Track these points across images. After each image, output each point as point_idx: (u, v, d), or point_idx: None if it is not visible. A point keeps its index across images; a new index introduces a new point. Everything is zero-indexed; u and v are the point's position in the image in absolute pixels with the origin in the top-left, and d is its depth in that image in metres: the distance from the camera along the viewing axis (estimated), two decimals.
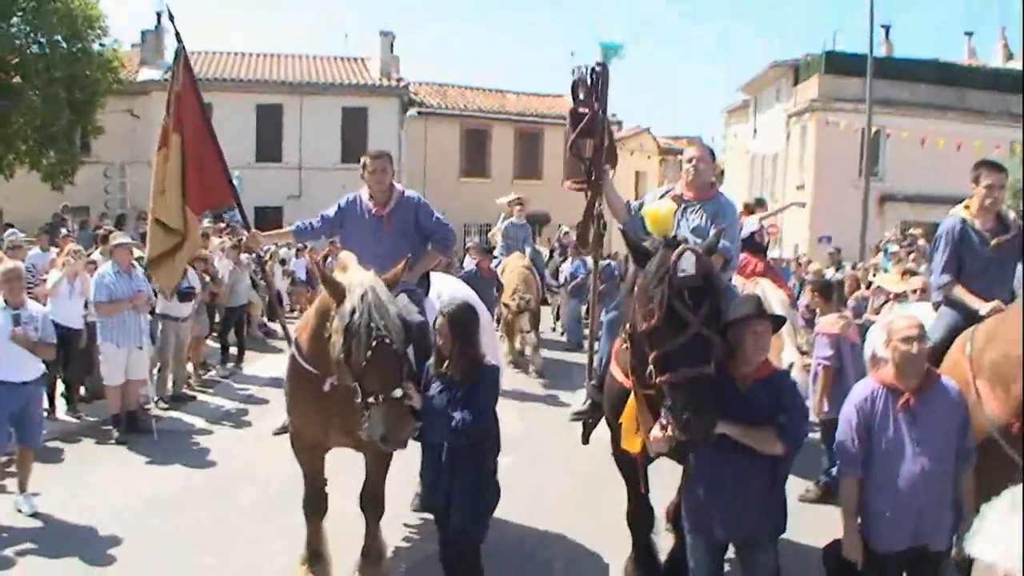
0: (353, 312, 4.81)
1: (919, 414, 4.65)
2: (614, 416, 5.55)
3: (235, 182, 8.27)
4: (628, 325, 4.77)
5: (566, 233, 19.68)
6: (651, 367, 4.44)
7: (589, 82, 6.92)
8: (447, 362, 5.19)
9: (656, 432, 4.64)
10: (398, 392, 4.82)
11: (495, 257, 15.59)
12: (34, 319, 8.22)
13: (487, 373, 5.27)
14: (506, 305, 14.59)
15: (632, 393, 5.09)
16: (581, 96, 6.89)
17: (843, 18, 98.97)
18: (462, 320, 5.18)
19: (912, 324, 4.77)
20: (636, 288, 4.69)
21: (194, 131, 7.89)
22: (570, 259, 18.24)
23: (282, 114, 32.40)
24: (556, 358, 15.76)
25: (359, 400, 4.79)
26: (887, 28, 35.55)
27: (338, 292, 4.95)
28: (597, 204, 6.94)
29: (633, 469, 5.71)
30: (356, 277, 5.01)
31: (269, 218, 28.43)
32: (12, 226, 19.58)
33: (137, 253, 11.02)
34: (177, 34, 8.21)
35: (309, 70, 34.60)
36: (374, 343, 4.76)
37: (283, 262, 21.09)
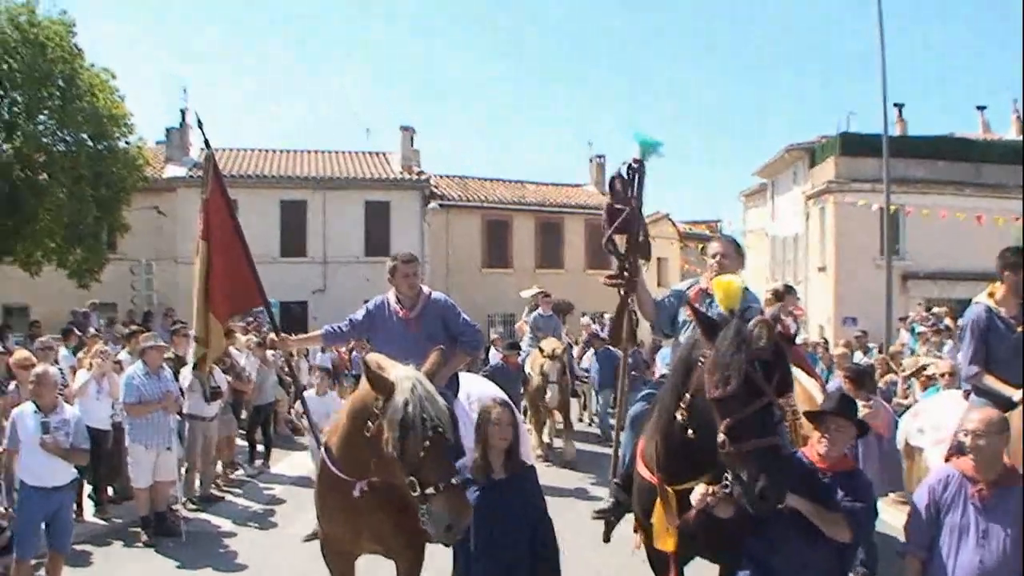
0: (406, 405, 4.75)
1: (990, 507, 4.67)
2: (645, 515, 5.48)
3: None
4: (686, 394, 4.71)
5: (589, 324, 19.67)
6: (722, 436, 4.41)
7: (626, 178, 6.95)
8: (487, 463, 5.20)
9: (700, 489, 4.60)
10: (456, 479, 4.78)
11: (521, 351, 15.56)
12: (66, 423, 8.22)
13: (531, 473, 5.33)
14: (544, 371, 14.52)
15: (659, 490, 5.05)
16: (618, 191, 6.92)
17: (856, 98, 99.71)
18: (515, 416, 5.23)
19: (986, 418, 4.77)
20: (708, 358, 4.67)
21: (222, 235, 7.94)
22: (592, 350, 18.19)
23: (306, 209, 32.76)
24: (586, 450, 15.63)
25: (416, 494, 4.67)
26: (900, 107, 35.71)
27: (386, 387, 4.88)
28: (630, 300, 6.94)
29: (667, 568, 5.63)
30: (400, 372, 4.97)
31: (294, 313, 28.67)
32: (38, 323, 19.78)
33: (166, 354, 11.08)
34: (206, 141, 8.32)
35: (331, 165, 35.10)
36: (430, 433, 4.70)
37: (306, 355, 21.08)
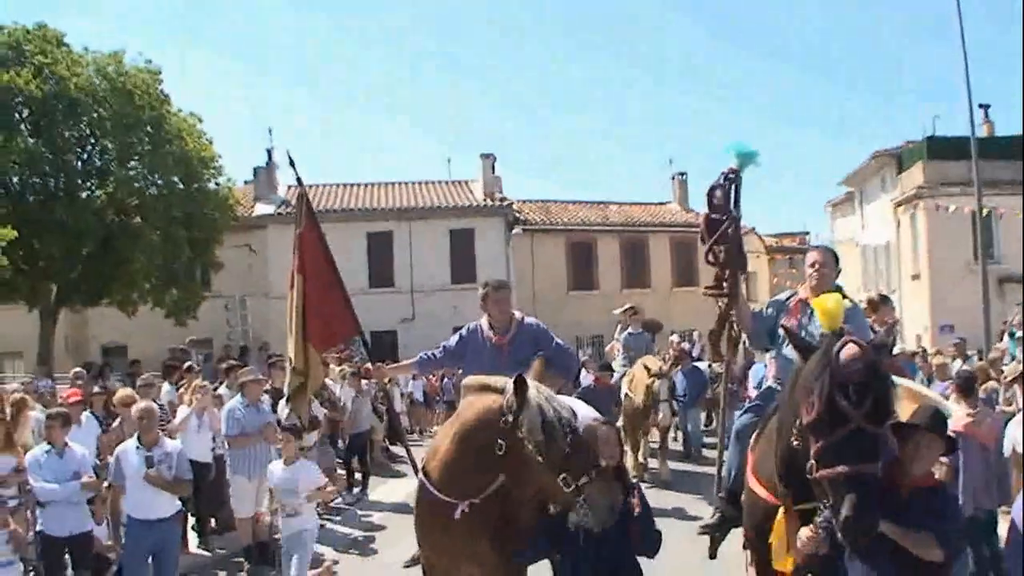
0: (542, 410, 4.87)
1: None
2: (757, 533, 5.35)
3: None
4: (796, 419, 4.62)
5: (679, 342, 19.45)
6: (811, 461, 4.31)
7: (724, 189, 6.87)
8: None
9: (805, 532, 4.49)
10: (602, 462, 4.95)
11: (614, 372, 15.42)
12: (168, 457, 8.36)
13: (637, 490, 5.32)
14: (653, 390, 14.31)
15: (782, 508, 4.92)
16: (716, 203, 6.84)
17: (940, 101, 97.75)
18: (620, 435, 5.24)
19: None
20: (799, 381, 4.60)
21: (316, 267, 8.07)
22: (679, 368, 17.99)
23: (392, 240, 33.19)
24: (679, 469, 15.45)
25: (571, 489, 4.75)
26: (986, 107, 34.84)
27: (515, 402, 4.96)
28: (731, 311, 6.85)
29: None
30: (510, 384, 5.03)
31: (384, 342, 28.89)
32: (138, 362, 20.23)
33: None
34: (298, 179, 8.50)
35: (415, 196, 35.53)
36: (567, 429, 4.85)
37: (397, 383, 21.24)
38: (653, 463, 15.20)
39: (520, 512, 5.43)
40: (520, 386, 4.97)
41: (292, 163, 8.58)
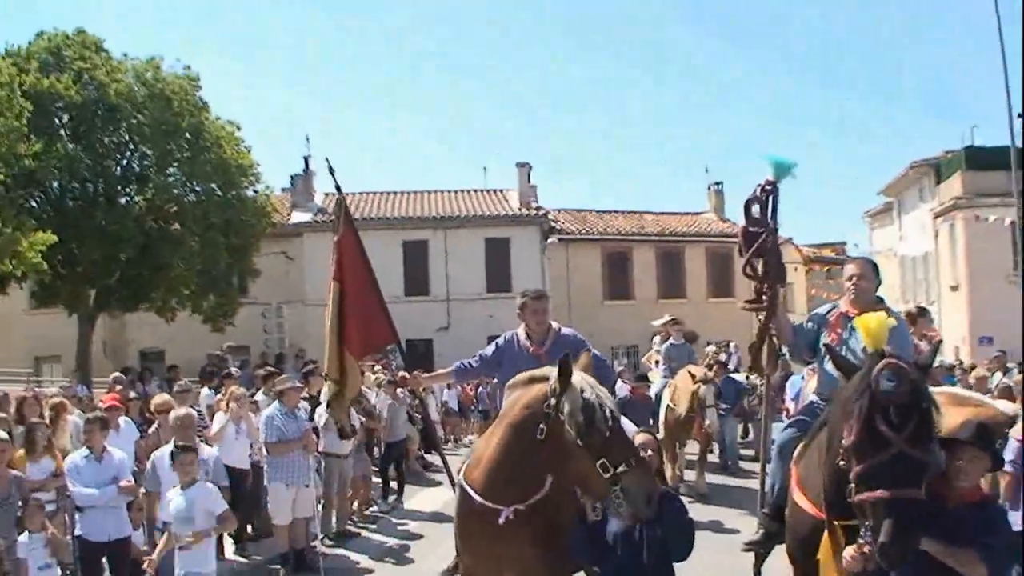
0: (583, 391, 4.86)
1: None
2: (801, 550, 5.27)
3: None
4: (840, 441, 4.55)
5: (715, 353, 19.33)
6: (851, 484, 4.25)
7: (761, 201, 6.80)
8: None
9: (850, 551, 4.41)
10: (644, 452, 4.90)
11: (650, 383, 15.31)
12: (205, 463, 8.40)
13: (677, 500, 5.31)
14: (700, 395, 14.10)
15: (827, 525, 4.85)
16: (754, 215, 6.77)
17: (978, 110, 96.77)
18: (658, 443, 5.21)
19: None
20: (841, 402, 4.54)
21: (355, 275, 8.10)
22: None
23: (428, 248, 33.28)
24: (715, 482, 15.29)
25: (608, 475, 4.68)
26: None
27: (565, 380, 4.96)
28: (771, 324, 6.78)
29: None
30: (553, 371, 5.04)
31: (419, 351, 28.92)
32: (176, 367, 20.37)
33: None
34: (337, 186, 8.56)
35: (451, 205, 35.54)
36: (609, 414, 4.81)
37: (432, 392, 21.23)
38: (690, 475, 15.04)
39: (564, 522, 5.38)
40: (564, 368, 4.96)
41: (331, 170, 8.63)
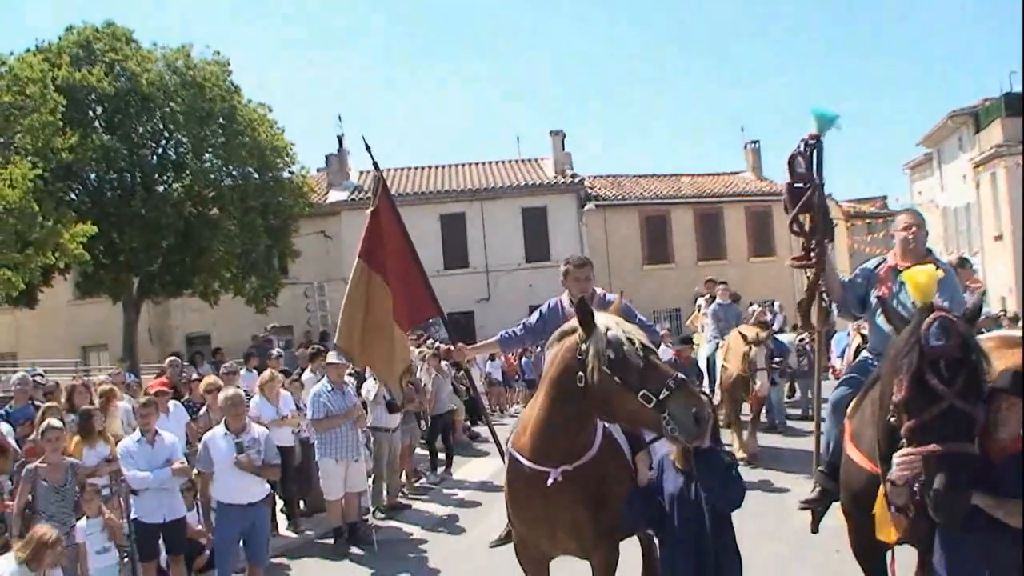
0: (608, 328, 4.88)
1: None
2: (855, 505, 5.24)
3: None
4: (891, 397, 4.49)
5: (759, 312, 19.16)
6: (903, 440, 4.22)
7: (805, 156, 6.69)
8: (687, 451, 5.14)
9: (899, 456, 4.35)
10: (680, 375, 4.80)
11: (694, 345, 15.17)
12: (256, 442, 8.47)
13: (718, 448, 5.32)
14: (751, 358, 13.74)
15: (882, 479, 4.80)
16: (798, 170, 6.67)
17: (1015, 57, 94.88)
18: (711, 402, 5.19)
19: None
20: (891, 357, 4.49)
21: (396, 250, 8.06)
22: None
23: (465, 221, 33.28)
24: (763, 444, 15.06)
25: (652, 404, 4.64)
26: None
27: (585, 327, 4.98)
28: (820, 281, 6.69)
29: (877, 561, 5.40)
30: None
31: (460, 323, 28.95)
32: (220, 350, 20.55)
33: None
34: (375, 163, 8.55)
35: (486, 176, 35.53)
36: (638, 344, 4.81)
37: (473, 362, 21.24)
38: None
39: (615, 484, 5.40)
40: (583, 310, 4.98)
41: (368, 147, 8.60)
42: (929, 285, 4.62)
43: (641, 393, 4.66)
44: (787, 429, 16.06)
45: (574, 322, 5.13)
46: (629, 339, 4.81)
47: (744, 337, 13.87)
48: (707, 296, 17.10)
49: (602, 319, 4.96)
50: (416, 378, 14.35)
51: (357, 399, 11.07)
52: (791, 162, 6.66)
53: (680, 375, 4.76)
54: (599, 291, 7.00)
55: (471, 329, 28.97)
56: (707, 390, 13.87)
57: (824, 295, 6.76)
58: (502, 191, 33.79)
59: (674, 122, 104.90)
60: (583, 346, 4.94)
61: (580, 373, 4.93)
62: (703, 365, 14.96)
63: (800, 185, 6.57)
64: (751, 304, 22.42)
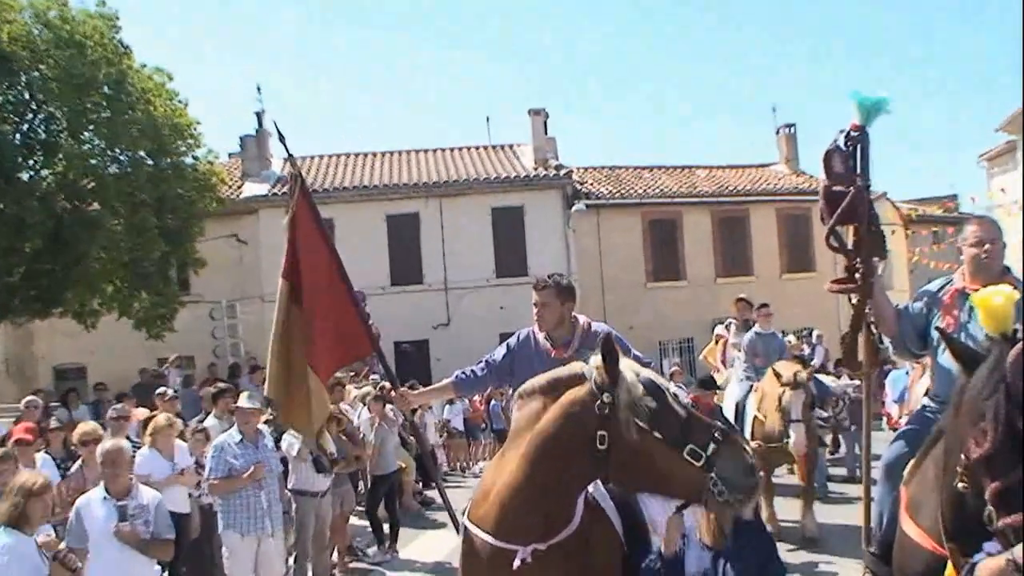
0: (637, 372, 4.95)
1: None
2: None
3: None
4: (961, 454, 4.50)
5: (795, 345, 19.16)
6: (989, 507, 4.18)
7: (845, 151, 6.70)
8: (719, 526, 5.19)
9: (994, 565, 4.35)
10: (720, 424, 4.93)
11: (717, 387, 15.06)
12: (144, 510, 8.36)
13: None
14: (783, 406, 13.01)
15: (950, 562, 4.81)
16: (836, 170, 6.68)
17: None
18: None
19: None
20: (964, 403, 4.49)
21: (316, 269, 7.93)
22: None
23: (418, 224, 33.23)
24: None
25: (701, 463, 4.69)
26: None
27: (609, 377, 4.97)
28: (867, 309, 6.71)
29: None
30: (595, 360, 5.08)
31: (411, 357, 29.00)
32: (103, 385, 20.38)
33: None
34: (289, 155, 8.43)
35: (447, 167, 35.66)
36: (672, 392, 4.91)
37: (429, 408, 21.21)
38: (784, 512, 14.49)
39: (599, 565, 5.45)
40: (608, 351, 4.97)
41: (281, 137, 8.44)
42: (1005, 310, 4.64)
43: (688, 449, 4.71)
44: (829, 496, 16.06)
45: (575, 367, 5.16)
46: (661, 385, 4.91)
47: (778, 376, 13.30)
48: (738, 322, 16.92)
49: (627, 362, 5.00)
50: (353, 427, 14.31)
51: (276, 454, 10.99)
52: (827, 160, 6.68)
53: (720, 423, 4.88)
54: (583, 320, 7.00)
55: (424, 364, 28.95)
56: None
57: (873, 327, 6.78)
58: (466, 186, 33.82)
59: (687, 99, 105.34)
60: (605, 397, 4.93)
61: (601, 432, 4.91)
62: (728, 412, 14.79)
63: (839, 188, 6.59)
64: (784, 333, 22.51)
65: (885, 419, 16.62)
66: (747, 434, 13.87)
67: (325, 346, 7.87)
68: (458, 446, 23.47)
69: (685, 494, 4.94)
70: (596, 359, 5.01)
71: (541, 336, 6.93)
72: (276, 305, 7.87)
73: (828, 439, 18.27)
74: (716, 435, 4.70)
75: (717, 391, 14.68)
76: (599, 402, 4.94)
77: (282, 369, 7.77)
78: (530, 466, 5.20)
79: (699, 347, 26.64)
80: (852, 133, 6.61)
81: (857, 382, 15.85)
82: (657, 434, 4.77)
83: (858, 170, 6.63)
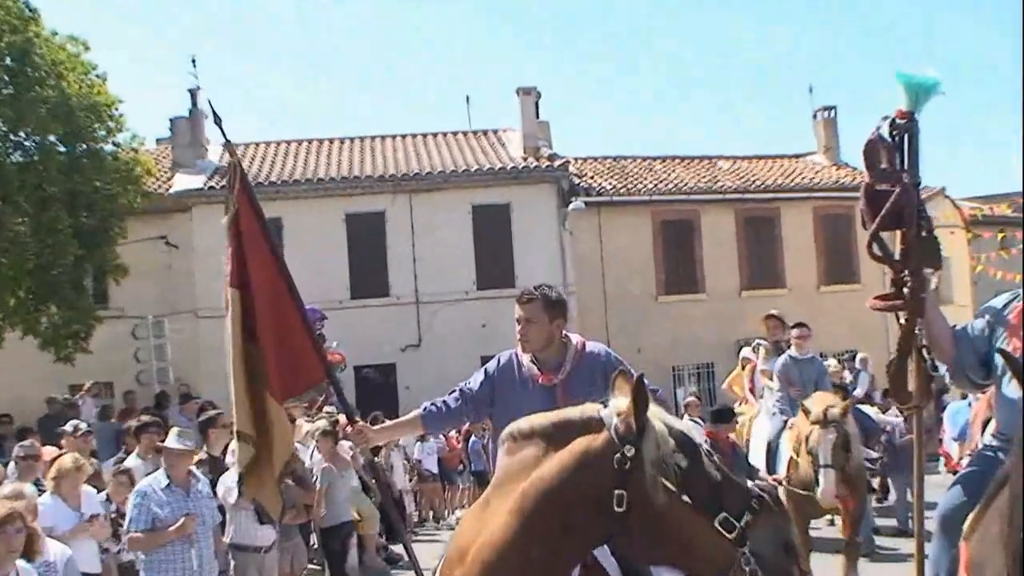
0: (667, 423, 4.90)
1: None
2: None
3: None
4: None
5: (836, 371, 19.19)
6: None
7: (890, 143, 6.68)
8: None
9: None
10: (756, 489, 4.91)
11: (736, 418, 15.08)
12: (52, 569, 8.36)
13: None
14: (810, 448, 12.85)
15: None
16: (880, 166, 6.64)
17: None
18: None
19: None
20: None
21: (261, 278, 7.85)
22: None
23: (384, 224, 33.22)
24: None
25: (732, 535, 4.65)
26: None
27: (631, 429, 4.89)
28: (918, 329, 6.68)
29: None
30: (619, 403, 5.02)
31: (374, 384, 29.02)
32: (8, 418, 20.29)
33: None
34: (227, 142, 8.36)
35: (418, 155, 35.62)
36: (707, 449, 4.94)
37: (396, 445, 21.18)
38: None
39: None
40: (639, 396, 4.88)
41: (217, 119, 8.36)
42: None
43: (721, 518, 4.67)
44: (877, 552, 16.07)
45: (588, 409, 5.09)
46: (694, 440, 4.91)
47: (806, 412, 13.18)
48: (768, 344, 16.95)
49: (655, 409, 4.94)
50: (304, 469, 14.24)
51: (212, 501, 10.97)
52: (869, 153, 6.61)
53: (756, 489, 4.83)
54: (575, 339, 6.99)
55: (391, 392, 28.97)
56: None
57: (926, 351, 6.75)
58: (442, 179, 33.87)
59: (706, 78, 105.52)
60: (627, 450, 4.85)
61: (619, 492, 4.84)
62: (758, 452, 14.83)
63: (884, 187, 6.55)
64: (822, 357, 22.55)
65: (943, 460, 16.65)
66: (781, 473, 13.91)
67: (279, 367, 7.78)
68: (431, 491, 23.46)
69: (711, 571, 4.84)
70: (620, 402, 4.95)
71: (526, 359, 6.91)
72: (229, 316, 7.75)
73: (876, 484, 18.25)
74: (753, 503, 4.67)
75: (735, 422, 14.59)
76: (619, 455, 4.85)
77: (251, 396, 7.69)
78: (523, 523, 5.07)
79: (721, 374, 26.75)
80: (898, 121, 6.56)
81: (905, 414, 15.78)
82: (686, 497, 4.72)
83: (906, 165, 6.58)
